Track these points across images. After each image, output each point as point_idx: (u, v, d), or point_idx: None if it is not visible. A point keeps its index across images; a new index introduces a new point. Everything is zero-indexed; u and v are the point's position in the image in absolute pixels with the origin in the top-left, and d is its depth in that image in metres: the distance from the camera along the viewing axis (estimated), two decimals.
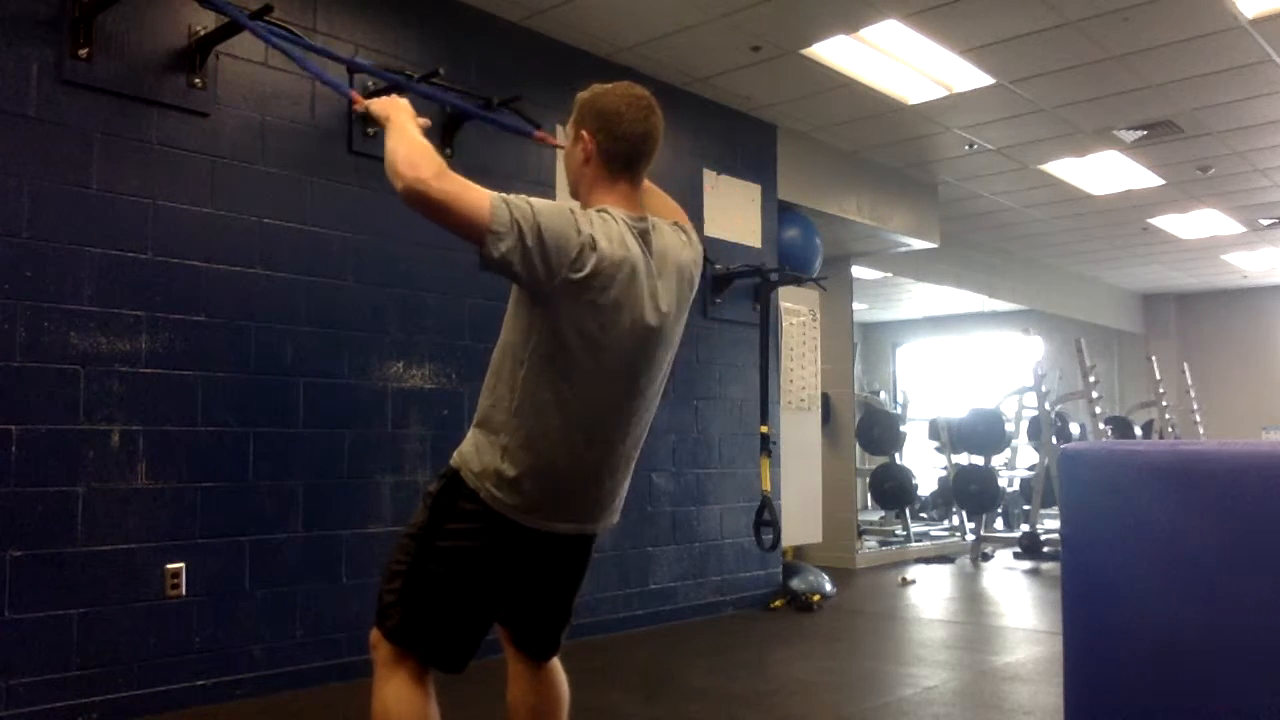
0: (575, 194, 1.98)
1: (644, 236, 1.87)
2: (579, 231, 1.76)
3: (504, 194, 1.74)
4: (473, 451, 1.87)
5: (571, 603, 2.09)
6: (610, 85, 1.95)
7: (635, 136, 1.90)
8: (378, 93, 3.88)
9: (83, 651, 3.15)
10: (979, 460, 8.68)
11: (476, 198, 1.70)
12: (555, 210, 1.77)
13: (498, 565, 1.89)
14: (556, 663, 2.13)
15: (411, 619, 1.86)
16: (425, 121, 1.92)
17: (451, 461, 1.90)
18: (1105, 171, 7.02)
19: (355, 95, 2.27)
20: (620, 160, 1.90)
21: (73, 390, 3.18)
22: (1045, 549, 7.97)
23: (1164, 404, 9.72)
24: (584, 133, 1.91)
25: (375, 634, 1.90)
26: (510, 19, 4.54)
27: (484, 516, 1.84)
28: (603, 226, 1.81)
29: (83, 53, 3.22)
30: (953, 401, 10.43)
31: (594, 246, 1.76)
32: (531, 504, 1.83)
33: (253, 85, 3.67)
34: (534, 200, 1.76)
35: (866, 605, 5.92)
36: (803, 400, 6.48)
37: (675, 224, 2.01)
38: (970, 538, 8.47)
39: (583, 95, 1.95)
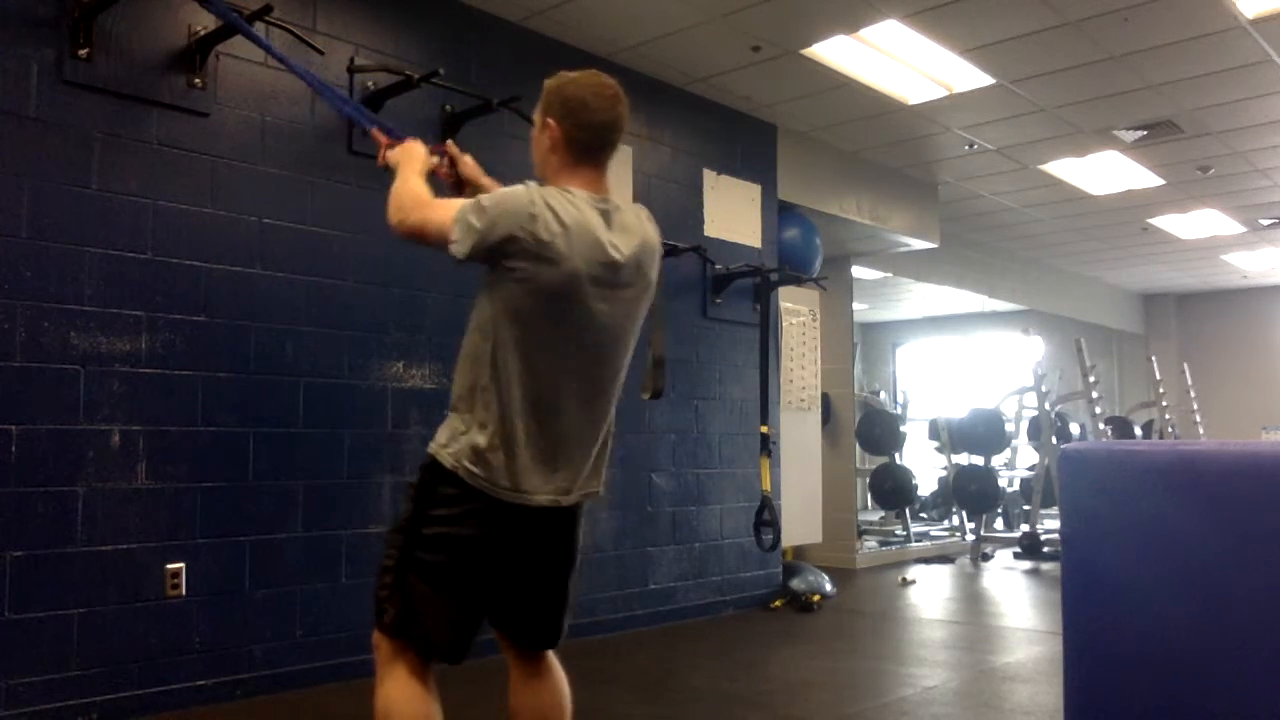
0: (542, 179, 2.01)
1: (605, 215, 1.92)
2: (531, 204, 1.82)
3: (472, 200, 1.87)
4: (448, 434, 1.91)
5: (566, 588, 2.06)
6: (577, 74, 1.98)
7: (601, 125, 1.94)
8: (377, 96, 3.91)
9: (83, 651, 3.15)
10: (979, 460, 8.68)
11: (443, 216, 1.88)
12: (507, 193, 1.86)
13: (484, 547, 1.90)
14: (558, 667, 2.11)
15: (406, 610, 1.87)
16: (433, 161, 2.19)
17: (428, 450, 1.93)
18: (1105, 171, 7.02)
19: (381, 148, 2.27)
20: (585, 148, 1.95)
21: (73, 390, 3.18)
22: (1045, 549, 7.97)
23: (1164, 404, 9.72)
24: (550, 120, 1.95)
25: (377, 634, 1.92)
26: (510, 19, 4.54)
27: (465, 499, 1.87)
28: (560, 200, 1.86)
29: (83, 53, 3.21)
30: (953, 401, 10.42)
31: (548, 217, 1.82)
32: (506, 474, 1.86)
33: (253, 85, 3.67)
34: (491, 194, 1.90)
35: (866, 605, 5.92)
36: (803, 400, 6.48)
37: (636, 205, 2.06)
38: (970, 538, 8.47)
39: (550, 83, 1.98)
